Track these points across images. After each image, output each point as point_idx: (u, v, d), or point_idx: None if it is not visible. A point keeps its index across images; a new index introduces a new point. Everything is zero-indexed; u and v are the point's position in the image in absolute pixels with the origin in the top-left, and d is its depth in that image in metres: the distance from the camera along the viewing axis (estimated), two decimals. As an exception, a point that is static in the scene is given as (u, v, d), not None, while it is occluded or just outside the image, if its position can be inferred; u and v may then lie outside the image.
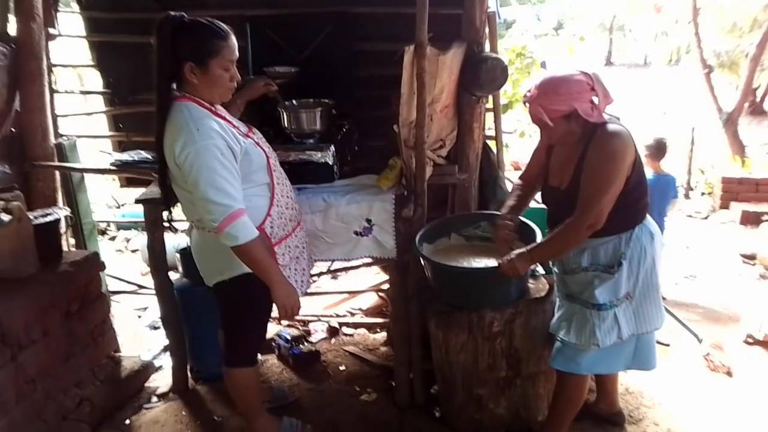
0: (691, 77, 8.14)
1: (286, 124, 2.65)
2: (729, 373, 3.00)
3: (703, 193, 6.48)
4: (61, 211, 2.67)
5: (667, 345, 3.24)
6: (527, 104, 2.04)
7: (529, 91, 2.04)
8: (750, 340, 3.31)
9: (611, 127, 1.97)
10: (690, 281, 4.31)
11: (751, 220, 5.47)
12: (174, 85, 1.97)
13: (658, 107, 10.84)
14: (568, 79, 1.96)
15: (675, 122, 8.75)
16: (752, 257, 4.65)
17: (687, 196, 6.47)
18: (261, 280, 2.10)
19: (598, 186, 1.95)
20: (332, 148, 2.62)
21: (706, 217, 5.89)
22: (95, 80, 3.55)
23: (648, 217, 2.14)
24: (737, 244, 4.92)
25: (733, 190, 5.88)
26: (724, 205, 5.88)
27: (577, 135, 2.02)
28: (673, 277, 4.28)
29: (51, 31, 3.28)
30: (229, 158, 1.90)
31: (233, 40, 1.96)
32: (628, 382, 2.84)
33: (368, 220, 2.51)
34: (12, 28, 3.10)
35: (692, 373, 3.01)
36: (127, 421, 2.66)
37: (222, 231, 1.88)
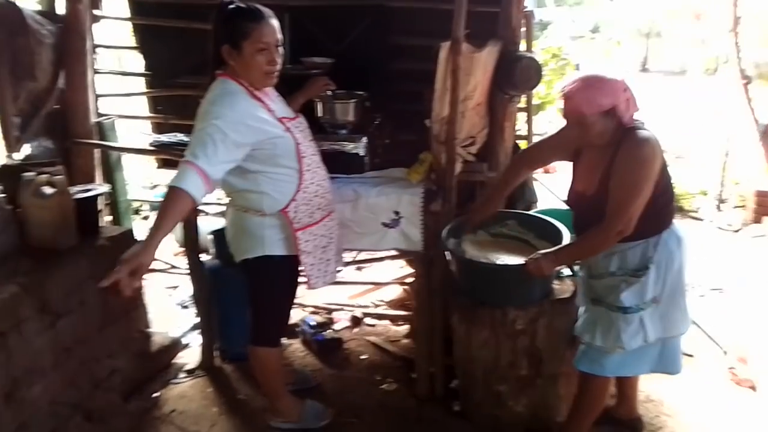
0: (728, 87, 7.96)
1: (320, 114, 2.69)
2: (753, 387, 2.96)
3: (736, 206, 6.36)
4: (101, 188, 2.76)
5: (691, 356, 3.21)
6: (566, 98, 2.01)
7: (567, 85, 2.02)
8: (776, 355, 3.26)
9: (640, 133, 1.97)
10: (718, 294, 4.25)
11: (784, 235, 5.35)
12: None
13: (694, 116, 10.64)
14: (610, 77, 1.97)
15: (710, 132, 8.58)
16: (783, 273, 4.56)
17: (719, 208, 6.36)
18: (284, 264, 2.16)
19: (627, 192, 1.95)
20: (364, 139, 2.66)
21: (737, 230, 5.77)
22: (134, 62, 3.63)
23: (674, 222, 2.14)
24: (768, 259, 4.83)
25: (767, 204, 5.76)
26: (757, 219, 5.76)
27: (608, 137, 2.02)
28: (699, 289, 4.22)
29: (96, 12, 3.38)
30: (223, 128, 1.90)
31: (270, 23, 1.99)
32: (649, 389, 2.82)
33: (396, 213, 2.54)
34: (60, 7, 3.20)
35: (715, 385, 2.98)
36: (155, 394, 2.74)
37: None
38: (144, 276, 1.83)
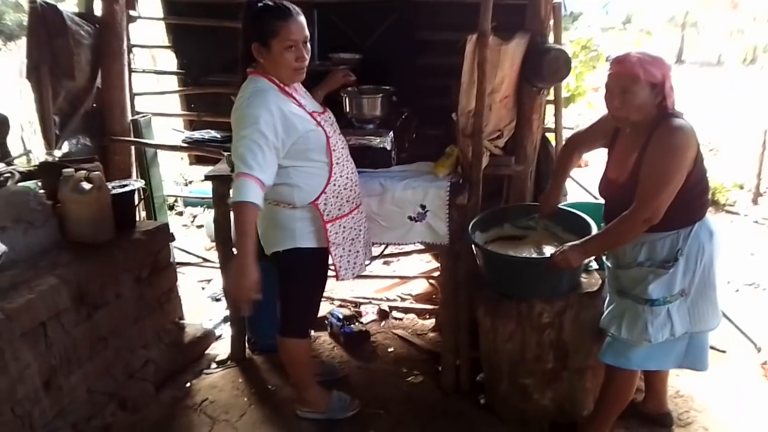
0: (766, 78, 7.73)
1: (347, 109, 2.72)
2: (787, 384, 2.90)
3: (773, 200, 6.19)
4: (136, 183, 2.84)
5: (724, 351, 3.15)
6: (620, 61, 1.97)
7: (619, 54, 2.01)
8: (812, 352, 3.18)
9: (675, 121, 1.95)
10: (753, 289, 4.15)
11: (822, 229, 5.20)
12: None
13: (731, 108, 10.37)
14: (660, 56, 1.99)
15: (746, 124, 8.36)
16: (822, 268, 4.43)
17: (755, 202, 6.20)
18: (314, 257, 2.20)
19: (657, 180, 1.93)
20: (391, 134, 2.68)
21: (774, 225, 5.63)
22: (168, 61, 3.72)
23: (708, 215, 2.11)
24: (806, 254, 4.69)
25: (805, 198, 5.59)
26: (795, 213, 5.61)
27: (649, 114, 1.99)
28: (734, 284, 4.13)
29: (132, 12, 3.47)
30: (264, 130, 1.97)
31: (297, 20, 2.03)
32: (679, 385, 2.78)
33: (422, 206, 2.55)
34: (97, 8, 3.30)
35: (747, 382, 2.92)
36: (188, 384, 2.82)
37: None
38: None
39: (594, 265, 2.53)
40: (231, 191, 2.01)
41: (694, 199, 2.03)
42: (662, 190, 1.93)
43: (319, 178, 2.17)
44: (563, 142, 3.36)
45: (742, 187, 6.46)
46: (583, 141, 2.40)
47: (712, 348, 2.74)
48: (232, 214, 2.04)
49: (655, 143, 1.95)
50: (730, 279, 4.14)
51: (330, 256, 2.29)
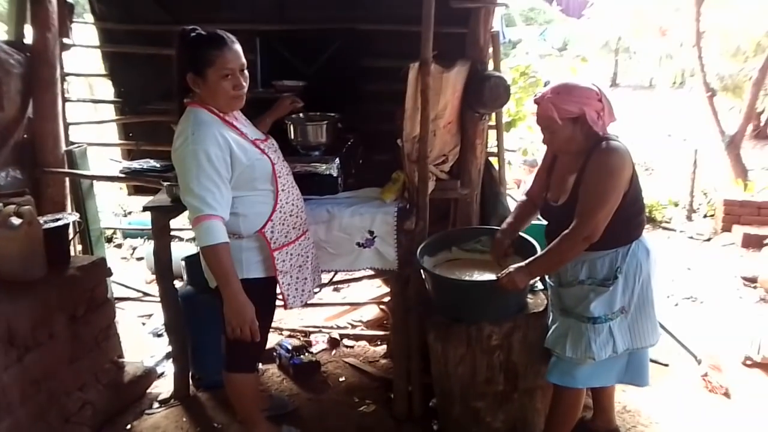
0: (695, 100, 8.18)
1: (292, 136, 2.71)
2: (727, 395, 3.00)
3: (705, 216, 6.49)
4: (70, 217, 2.72)
5: (666, 365, 3.25)
6: (537, 103, 2.09)
7: (540, 92, 2.10)
8: (749, 362, 3.31)
9: (611, 143, 2.03)
10: (690, 302, 4.31)
11: (752, 243, 5.47)
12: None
13: (663, 129, 10.89)
14: (581, 85, 2.06)
15: (679, 144, 8.78)
16: (753, 280, 4.65)
17: (689, 218, 6.49)
18: (262, 287, 2.15)
19: (595, 200, 2.00)
20: (337, 160, 2.67)
21: (708, 240, 5.89)
22: (106, 89, 3.63)
23: (644, 233, 2.18)
24: (738, 267, 4.93)
25: (735, 213, 5.88)
26: (726, 228, 5.89)
27: (579, 144, 2.07)
28: (673, 298, 4.29)
29: (65, 40, 3.36)
30: (216, 166, 1.96)
31: (233, 48, 2.00)
32: (626, 400, 2.85)
33: (371, 232, 2.55)
34: (28, 36, 3.19)
35: (690, 394, 3.02)
36: (128, 426, 2.69)
37: (193, 230, 1.99)
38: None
39: (539, 285, 2.57)
40: (197, 234, 1.97)
41: (631, 218, 2.11)
42: (600, 209, 1.99)
43: (264, 206, 2.14)
44: (506, 166, 3.44)
45: (677, 205, 6.76)
46: (533, 192, 2.42)
47: (654, 362, 2.83)
48: (204, 258, 2.03)
49: (591, 165, 2.03)
50: (669, 293, 4.29)
51: (278, 285, 2.24)
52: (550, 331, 2.28)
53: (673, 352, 3.34)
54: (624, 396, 2.83)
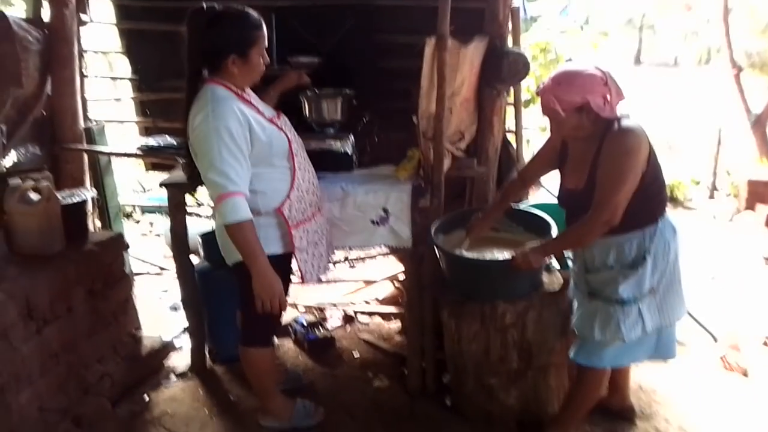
0: (721, 78, 7.98)
1: (307, 113, 2.69)
2: (745, 374, 2.97)
3: (728, 195, 6.38)
4: (88, 193, 2.75)
5: (683, 344, 3.21)
6: (540, 95, 2.05)
7: (542, 82, 2.05)
8: (768, 342, 3.27)
9: (624, 123, 1.98)
10: (711, 282, 4.26)
11: (776, 223, 5.37)
12: (205, 72, 2.05)
13: (687, 107, 10.68)
14: (582, 72, 1.98)
15: (703, 123, 8.60)
16: (776, 260, 4.58)
17: (712, 197, 6.38)
18: (280, 263, 2.16)
19: (613, 182, 1.96)
20: (352, 137, 2.66)
21: (730, 219, 5.79)
22: (124, 66, 3.63)
23: (667, 211, 2.14)
24: (761, 247, 4.84)
25: (759, 192, 5.76)
26: (750, 207, 5.78)
27: (588, 130, 2.03)
28: (693, 278, 4.23)
29: (82, 17, 3.38)
30: (238, 142, 1.95)
31: (264, 26, 2.02)
32: (642, 378, 2.83)
33: (385, 210, 2.54)
34: (46, 13, 3.20)
35: (707, 373, 2.99)
36: (146, 398, 2.73)
37: (216, 207, 1.98)
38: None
39: (555, 264, 2.55)
40: (222, 212, 1.95)
41: (652, 197, 2.07)
42: (618, 191, 1.95)
43: (282, 183, 2.14)
44: (524, 144, 3.40)
45: (698, 184, 6.65)
46: (529, 173, 2.42)
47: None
48: (230, 235, 2.01)
49: (606, 148, 1.99)
50: (688, 273, 4.24)
51: (295, 261, 2.25)
52: (577, 314, 2.26)
53: (692, 330, 3.30)
54: (639, 374, 2.81)
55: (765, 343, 3.27)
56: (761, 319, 3.51)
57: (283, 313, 2.18)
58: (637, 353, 2.23)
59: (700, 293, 3.96)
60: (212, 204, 2.12)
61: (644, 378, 2.83)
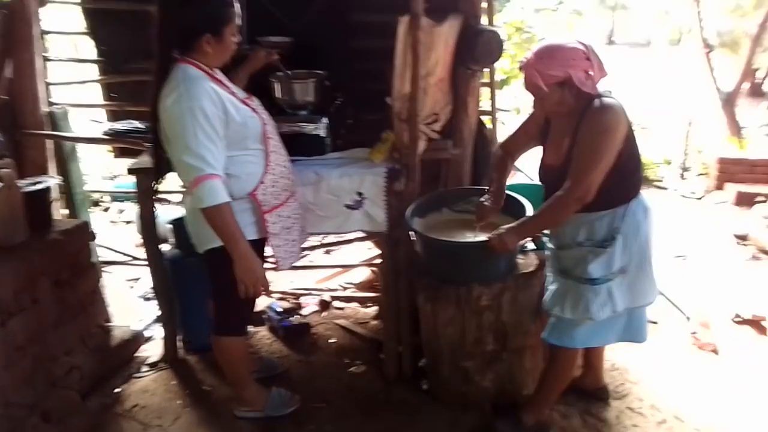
0: (691, 57, 8.06)
1: (278, 95, 2.63)
2: (715, 351, 3.03)
3: (699, 174, 6.48)
4: (51, 180, 2.66)
5: (655, 322, 3.26)
6: (522, 70, 2.02)
7: (525, 56, 2.02)
8: (738, 320, 3.34)
9: (604, 100, 1.96)
10: (682, 260, 4.33)
11: (745, 201, 5.47)
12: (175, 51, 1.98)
13: (659, 87, 10.78)
14: (565, 46, 1.96)
15: (675, 102, 8.70)
16: (745, 238, 4.67)
17: (683, 177, 6.47)
18: (254, 247, 2.11)
19: (588, 158, 1.95)
20: (325, 120, 2.61)
21: (700, 198, 5.89)
22: (90, 48, 3.51)
23: (642, 192, 2.14)
24: (731, 225, 4.93)
25: (729, 171, 5.87)
26: (720, 186, 5.88)
27: (570, 105, 2.01)
28: (664, 256, 4.29)
29: (43, -4, 3.24)
30: (213, 123, 1.90)
31: (237, 3, 1.96)
32: (615, 358, 2.86)
33: (359, 194, 2.50)
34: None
35: (679, 351, 3.04)
36: (117, 390, 2.68)
37: (191, 191, 1.91)
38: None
39: (530, 246, 2.54)
40: (199, 195, 1.89)
41: (627, 177, 2.06)
42: (593, 168, 1.94)
43: (256, 166, 2.09)
44: (499, 125, 3.38)
45: (670, 163, 6.74)
46: (514, 146, 2.38)
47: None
48: (209, 219, 1.95)
49: (585, 124, 1.97)
50: (660, 251, 4.30)
51: (269, 247, 2.21)
52: (549, 292, 2.26)
53: (663, 309, 3.35)
54: (613, 353, 2.84)
55: (734, 321, 3.34)
56: (731, 296, 3.58)
57: (269, 294, 2.13)
58: (607, 334, 2.24)
59: (671, 272, 4.03)
60: (184, 188, 2.05)
61: (617, 357, 2.87)
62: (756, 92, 10.51)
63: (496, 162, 2.42)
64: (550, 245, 2.30)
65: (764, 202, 5.27)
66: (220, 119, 1.92)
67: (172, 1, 1.91)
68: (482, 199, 2.37)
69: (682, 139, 6.58)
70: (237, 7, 1.96)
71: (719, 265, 4.23)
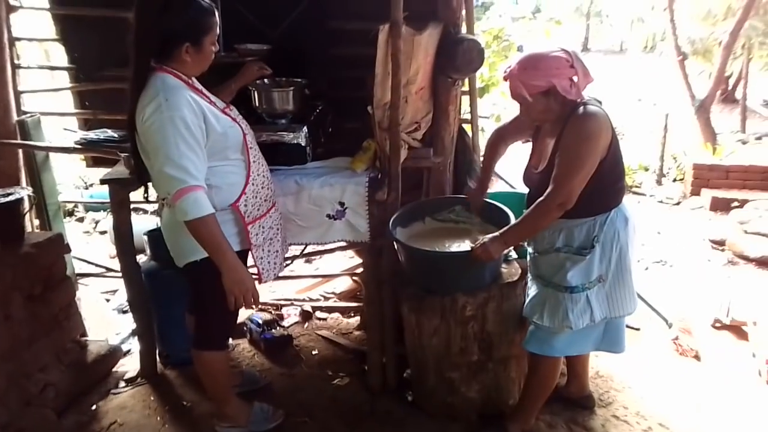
0: (666, 64, 8.21)
1: (257, 104, 2.59)
2: (697, 357, 3.05)
3: (674, 180, 6.58)
4: (23, 191, 2.58)
5: (638, 329, 3.29)
6: (507, 80, 2.03)
7: (509, 66, 2.02)
8: (717, 325, 3.37)
9: (588, 108, 1.97)
10: (660, 266, 4.37)
11: (721, 206, 5.57)
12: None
13: (634, 94, 10.96)
14: (548, 55, 1.96)
15: (649, 109, 8.83)
16: (721, 243, 4.74)
17: (659, 183, 6.56)
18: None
19: (570, 165, 1.95)
20: (305, 129, 2.57)
21: (677, 203, 5.98)
22: (63, 55, 3.42)
23: (624, 202, 2.14)
24: (707, 230, 5.01)
25: (704, 177, 5.97)
26: (695, 192, 5.98)
27: (556, 113, 2.02)
28: (643, 262, 4.34)
29: (11, 2, 3.17)
30: (194, 133, 1.85)
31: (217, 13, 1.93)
32: (599, 365, 2.87)
33: (341, 203, 2.47)
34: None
35: (661, 357, 3.06)
36: (94, 407, 2.60)
37: (174, 204, 1.85)
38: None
39: (513, 254, 2.54)
40: (183, 208, 1.83)
41: (609, 186, 2.07)
42: (574, 174, 1.94)
43: (237, 177, 2.05)
44: (480, 133, 3.38)
45: (647, 169, 6.83)
46: (509, 133, 2.41)
47: (626, 327, 2.84)
48: (194, 232, 1.90)
49: (568, 131, 1.98)
50: (639, 258, 4.34)
51: (251, 259, 2.17)
52: (528, 300, 2.26)
53: (644, 316, 3.38)
54: (597, 361, 2.85)
55: (714, 326, 3.37)
56: (709, 302, 3.61)
57: (258, 305, 2.08)
58: (585, 343, 2.25)
59: (651, 277, 4.07)
60: (162, 200, 1.99)
61: (602, 365, 2.87)
62: (729, 99, 10.74)
63: (489, 144, 2.45)
64: (530, 249, 2.30)
65: (740, 207, 5.36)
66: (201, 129, 1.89)
67: (150, 8, 1.85)
68: (470, 186, 2.39)
69: (658, 145, 6.68)
70: (217, 15, 1.93)
71: (697, 270, 4.28)
